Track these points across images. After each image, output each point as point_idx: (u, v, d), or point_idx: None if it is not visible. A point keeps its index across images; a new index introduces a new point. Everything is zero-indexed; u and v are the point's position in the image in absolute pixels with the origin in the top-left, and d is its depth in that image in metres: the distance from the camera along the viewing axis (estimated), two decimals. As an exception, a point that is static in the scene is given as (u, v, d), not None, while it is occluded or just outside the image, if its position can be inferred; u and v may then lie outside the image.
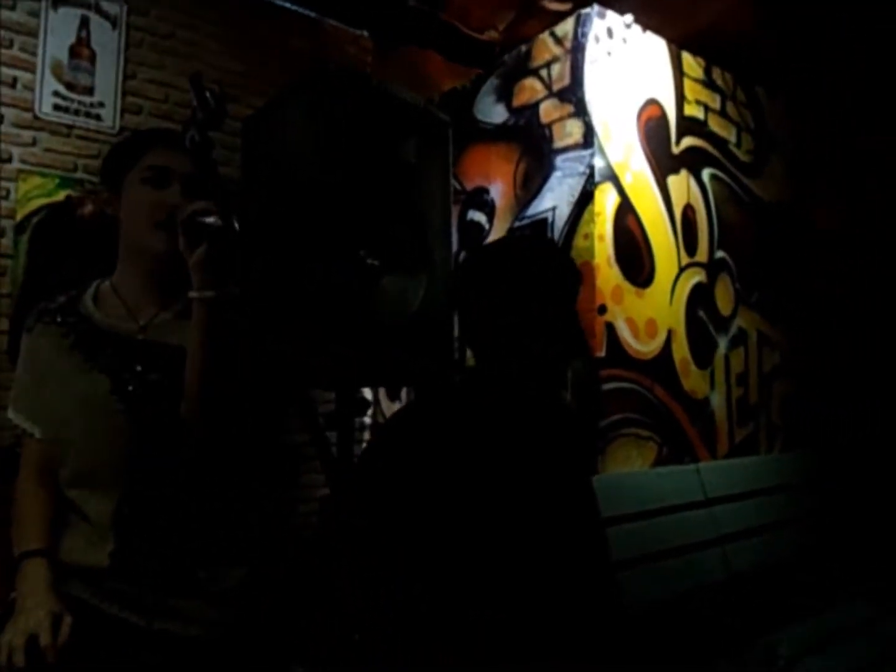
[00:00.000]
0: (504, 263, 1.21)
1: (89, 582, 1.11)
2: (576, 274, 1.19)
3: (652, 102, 2.69)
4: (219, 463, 1.16)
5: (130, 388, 1.13)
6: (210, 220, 1.06)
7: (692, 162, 2.83)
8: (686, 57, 2.86)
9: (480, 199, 2.86)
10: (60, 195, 2.42)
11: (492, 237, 2.77)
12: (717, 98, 3.00)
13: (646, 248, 2.59)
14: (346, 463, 1.12)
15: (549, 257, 1.20)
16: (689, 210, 2.79)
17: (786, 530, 2.74)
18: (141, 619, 1.09)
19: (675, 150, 2.77)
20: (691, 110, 2.86)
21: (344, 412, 1.54)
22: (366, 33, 3.44)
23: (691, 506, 2.41)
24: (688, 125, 2.83)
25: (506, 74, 2.82)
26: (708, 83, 2.96)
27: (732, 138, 3.05)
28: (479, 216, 2.85)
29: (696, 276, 2.81)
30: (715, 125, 2.97)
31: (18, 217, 2.36)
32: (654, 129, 2.68)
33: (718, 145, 2.98)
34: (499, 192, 2.79)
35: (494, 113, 2.85)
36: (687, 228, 2.77)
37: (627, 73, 2.61)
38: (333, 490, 1.10)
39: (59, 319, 1.20)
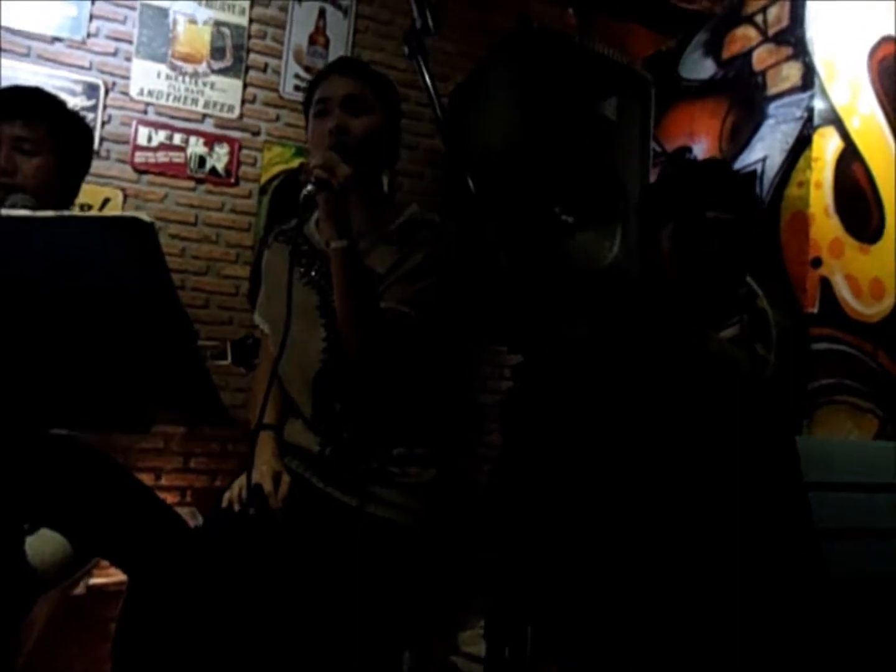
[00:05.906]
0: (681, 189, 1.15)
1: (304, 460, 1.29)
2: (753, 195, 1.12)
3: (888, 40, 2.40)
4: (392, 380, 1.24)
5: (334, 304, 1.26)
6: (324, 174, 1.11)
7: (940, 103, 2.47)
8: (936, -17, 2.51)
9: (682, 158, 2.75)
10: (295, 163, 2.79)
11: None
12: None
13: (874, 198, 2.32)
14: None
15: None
16: (932, 158, 2.44)
17: None
18: (344, 497, 1.24)
19: (917, 89, 2.44)
20: (940, 43, 2.50)
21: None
22: (571, 10, 3.48)
23: (920, 489, 2.09)
24: (935, 61, 2.48)
25: (715, 27, 2.70)
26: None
27: None
28: (679, 174, 2.74)
29: (939, 233, 2.44)
30: (972, 60, 2.56)
31: (262, 181, 2.76)
32: (890, 67, 2.39)
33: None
34: (703, 149, 2.67)
35: (701, 69, 2.74)
36: (929, 179, 2.43)
37: (858, 6, 2.35)
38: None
39: (288, 239, 1.40)
